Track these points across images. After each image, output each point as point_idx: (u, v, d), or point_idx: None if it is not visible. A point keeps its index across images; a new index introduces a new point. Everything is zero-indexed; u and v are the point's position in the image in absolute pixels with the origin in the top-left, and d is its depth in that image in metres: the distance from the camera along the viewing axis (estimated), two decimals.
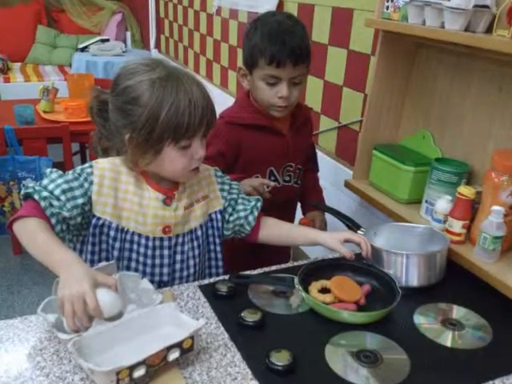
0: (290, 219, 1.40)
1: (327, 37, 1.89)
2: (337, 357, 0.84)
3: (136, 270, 1.00)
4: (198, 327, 0.79)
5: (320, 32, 1.92)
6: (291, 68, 1.16)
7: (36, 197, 0.90)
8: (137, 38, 4.71)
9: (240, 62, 1.26)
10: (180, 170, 0.95)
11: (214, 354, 0.83)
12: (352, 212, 1.67)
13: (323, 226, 1.40)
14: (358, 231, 1.13)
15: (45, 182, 0.93)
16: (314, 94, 2.00)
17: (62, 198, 0.91)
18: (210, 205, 1.07)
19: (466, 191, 1.11)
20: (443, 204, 1.17)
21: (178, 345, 0.77)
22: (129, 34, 4.74)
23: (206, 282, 1.05)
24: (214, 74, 3.07)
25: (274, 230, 1.12)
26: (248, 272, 1.08)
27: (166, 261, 1.02)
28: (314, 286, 1.00)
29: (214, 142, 1.21)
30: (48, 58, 4.52)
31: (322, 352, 0.85)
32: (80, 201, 0.92)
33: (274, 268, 1.12)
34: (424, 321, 0.96)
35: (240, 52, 2.01)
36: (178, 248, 1.03)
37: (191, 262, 1.05)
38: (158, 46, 4.30)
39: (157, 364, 0.75)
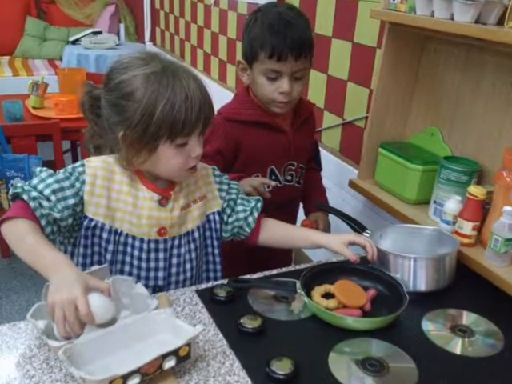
0: (292, 220, 1.38)
1: (331, 29, 1.87)
2: (341, 365, 0.83)
3: (130, 273, 0.99)
4: (195, 334, 0.78)
5: (323, 24, 1.90)
6: (293, 62, 1.15)
7: (25, 197, 0.88)
8: (131, 31, 4.67)
9: (239, 56, 1.25)
10: (176, 169, 0.94)
11: (211, 362, 0.82)
12: (357, 213, 1.66)
13: (326, 228, 1.38)
14: (363, 233, 1.12)
15: (34, 181, 0.91)
16: (316, 89, 1.99)
17: (53, 198, 0.89)
18: (208, 205, 1.05)
19: (476, 191, 1.10)
20: (452, 204, 1.16)
21: (174, 352, 0.75)
22: (122, 26, 4.70)
23: (203, 286, 1.04)
24: (212, 68, 3.07)
25: (274, 232, 1.10)
26: (248, 276, 1.07)
27: (161, 264, 1.00)
28: (317, 291, 0.99)
29: (212, 140, 1.20)
30: (37, 52, 4.50)
31: (325, 360, 0.83)
32: (71, 201, 0.91)
33: (274, 272, 1.10)
34: (432, 327, 0.95)
35: (239, 45, 2.01)
36: (174, 251, 1.01)
37: (188, 266, 1.03)
38: (153, 38, 4.29)
39: (152, 372, 0.73)
